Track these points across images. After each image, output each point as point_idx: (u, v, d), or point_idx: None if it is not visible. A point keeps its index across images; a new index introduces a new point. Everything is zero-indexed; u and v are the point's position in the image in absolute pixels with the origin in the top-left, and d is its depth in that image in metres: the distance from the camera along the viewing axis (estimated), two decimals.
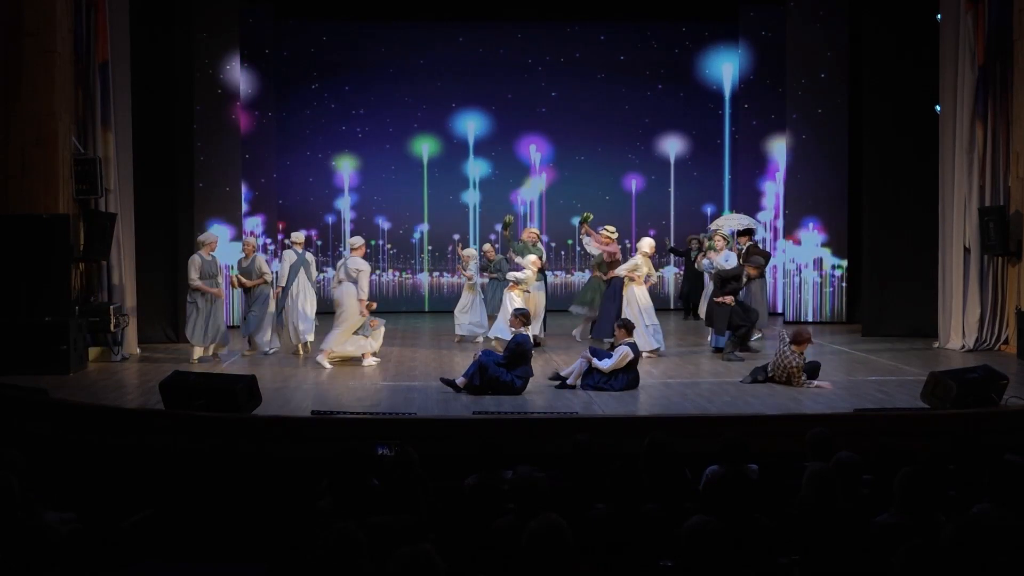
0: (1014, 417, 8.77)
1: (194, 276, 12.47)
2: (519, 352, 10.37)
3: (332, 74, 18.72)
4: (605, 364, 10.51)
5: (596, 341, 12.76)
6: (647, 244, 13.09)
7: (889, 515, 4.78)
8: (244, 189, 17.18)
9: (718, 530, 4.14)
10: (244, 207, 17.25)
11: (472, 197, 19.07)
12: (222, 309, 12.80)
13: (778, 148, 18.05)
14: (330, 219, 18.83)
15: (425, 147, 18.88)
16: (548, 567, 3.97)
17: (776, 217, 18.35)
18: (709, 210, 19.04)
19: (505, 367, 10.33)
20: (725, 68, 19.01)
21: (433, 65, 18.79)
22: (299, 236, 13.45)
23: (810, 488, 5.17)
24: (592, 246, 13.95)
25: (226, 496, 6.13)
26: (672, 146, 19.16)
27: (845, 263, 17.20)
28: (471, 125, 18.90)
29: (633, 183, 19.21)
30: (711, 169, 19.23)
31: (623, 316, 12.04)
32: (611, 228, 13.82)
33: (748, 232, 14.42)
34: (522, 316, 10.94)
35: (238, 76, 16.61)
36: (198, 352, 12.46)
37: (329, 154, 18.82)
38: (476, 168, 19.02)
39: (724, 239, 13.78)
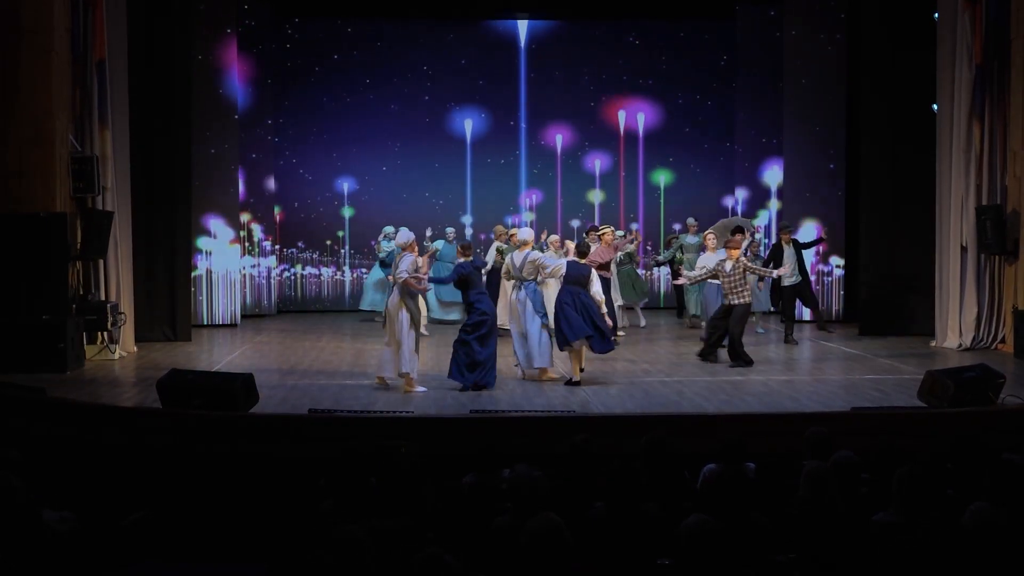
0: (1011, 416, 8.79)
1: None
2: (461, 278, 10.72)
3: (331, 70, 18.66)
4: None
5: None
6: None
7: (887, 514, 4.79)
8: (242, 187, 17.17)
9: (716, 529, 4.15)
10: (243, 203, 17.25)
11: (469, 203, 19.09)
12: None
13: (775, 146, 18.05)
14: (328, 216, 18.83)
15: (426, 144, 18.85)
16: (546, 566, 3.97)
17: (768, 223, 18.36)
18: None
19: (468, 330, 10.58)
20: (722, 67, 18.99)
21: (431, 62, 18.78)
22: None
23: (808, 487, 5.18)
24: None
25: (224, 495, 6.13)
26: (670, 146, 19.15)
27: (843, 261, 17.24)
28: (468, 123, 18.89)
29: (628, 181, 19.23)
30: (709, 167, 19.23)
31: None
32: (610, 228, 14.31)
33: (739, 230, 14.40)
34: (466, 247, 11.28)
35: (236, 73, 16.60)
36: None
37: (329, 150, 18.78)
38: (474, 167, 19.01)
39: (715, 237, 13.87)
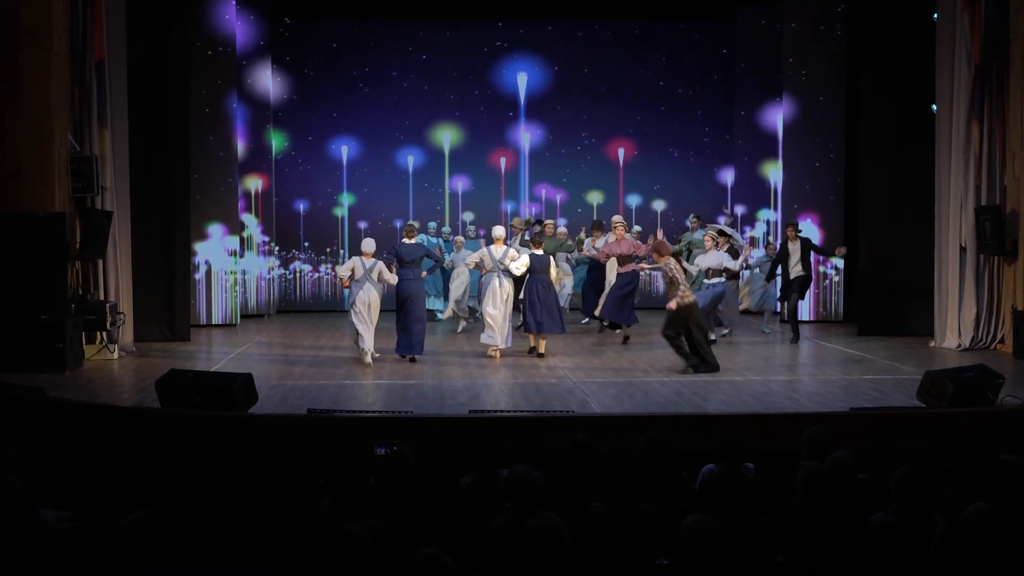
0: (1010, 416, 8.79)
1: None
2: (396, 257, 12.30)
3: (330, 70, 18.67)
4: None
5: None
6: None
7: (885, 514, 4.79)
8: (241, 185, 17.15)
9: (715, 529, 4.15)
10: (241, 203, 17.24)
11: (470, 198, 19.09)
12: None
13: (775, 144, 18.06)
14: (329, 213, 18.83)
15: (427, 139, 18.85)
16: (545, 566, 3.97)
17: (768, 221, 18.40)
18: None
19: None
20: (721, 64, 19.01)
21: (431, 57, 18.80)
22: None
23: (805, 487, 5.18)
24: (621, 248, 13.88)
25: (222, 495, 6.13)
26: (670, 143, 19.18)
27: (842, 261, 17.24)
28: (468, 117, 18.90)
29: (628, 178, 19.25)
30: (709, 164, 19.25)
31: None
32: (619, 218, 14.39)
33: (725, 234, 14.55)
34: (410, 230, 12.75)
35: (235, 74, 16.59)
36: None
37: (329, 147, 18.78)
38: (474, 162, 19.01)
39: (712, 239, 13.95)
